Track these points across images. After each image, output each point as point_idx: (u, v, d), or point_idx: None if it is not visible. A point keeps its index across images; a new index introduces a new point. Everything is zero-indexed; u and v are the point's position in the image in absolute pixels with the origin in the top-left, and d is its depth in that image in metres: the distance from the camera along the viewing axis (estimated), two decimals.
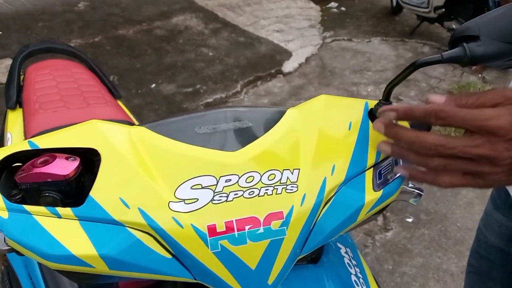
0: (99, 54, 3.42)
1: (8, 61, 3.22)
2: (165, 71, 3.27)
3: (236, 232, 0.47)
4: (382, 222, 2.03)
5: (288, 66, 3.42)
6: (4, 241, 0.49)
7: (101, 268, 0.47)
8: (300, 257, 0.53)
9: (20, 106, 1.36)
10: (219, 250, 0.47)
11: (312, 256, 0.67)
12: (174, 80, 3.16)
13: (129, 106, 1.51)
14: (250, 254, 0.48)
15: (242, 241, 0.48)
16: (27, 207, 0.47)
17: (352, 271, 0.68)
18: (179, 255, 0.48)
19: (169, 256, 0.48)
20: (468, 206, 2.09)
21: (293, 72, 3.35)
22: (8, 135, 1.31)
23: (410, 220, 2.03)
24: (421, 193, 0.63)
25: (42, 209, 0.47)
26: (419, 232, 1.97)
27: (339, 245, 0.71)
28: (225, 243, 0.47)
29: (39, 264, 1.02)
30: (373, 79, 3.24)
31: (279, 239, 0.49)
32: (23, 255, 0.51)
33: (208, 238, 0.47)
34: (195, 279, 0.50)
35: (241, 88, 3.11)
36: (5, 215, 0.47)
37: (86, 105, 1.30)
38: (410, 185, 0.63)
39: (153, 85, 3.09)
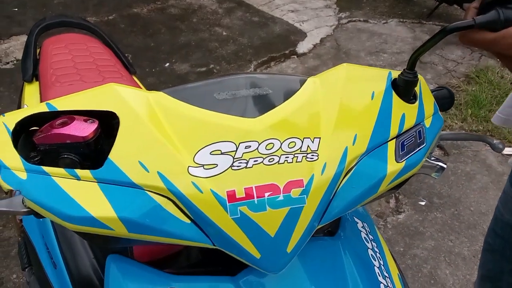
0: (113, 32, 3.41)
1: (24, 38, 3.23)
2: (179, 50, 3.25)
3: (255, 199, 0.47)
4: (394, 204, 2.02)
5: (303, 47, 3.37)
6: (22, 203, 0.50)
7: (120, 231, 0.47)
8: (319, 226, 0.53)
9: (37, 79, 1.36)
10: (239, 216, 0.47)
11: (329, 229, 0.67)
12: (188, 59, 3.15)
13: (143, 84, 1.50)
14: (270, 221, 0.48)
15: (262, 208, 0.47)
16: (46, 168, 0.47)
17: (369, 245, 0.67)
18: (198, 220, 0.48)
19: (188, 221, 0.48)
20: (482, 191, 2.07)
21: (307, 53, 3.30)
22: (25, 108, 1.32)
23: (423, 203, 2.01)
24: (444, 166, 0.62)
25: (60, 170, 0.47)
26: (431, 215, 1.95)
27: (356, 219, 0.71)
28: (244, 209, 0.47)
29: (56, 234, 1.04)
30: (389, 61, 3.18)
31: (299, 207, 0.49)
32: (40, 217, 0.52)
33: (228, 204, 0.47)
34: (214, 245, 0.50)
35: (255, 69, 3.09)
36: (23, 176, 0.47)
37: (101, 79, 1.30)
38: (433, 158, 0.62)
39: (167, 64, 3.08)
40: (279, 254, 0.50)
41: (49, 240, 1.06)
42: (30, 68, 1.38)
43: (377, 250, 0.68)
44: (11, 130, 0.49)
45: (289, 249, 0.50)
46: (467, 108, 2.54)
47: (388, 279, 0.65)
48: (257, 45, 3.37)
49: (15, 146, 0.49)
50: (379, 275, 0.64)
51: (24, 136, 0.52)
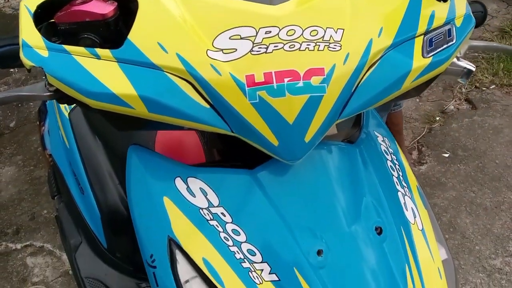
0: None
1: None
2: None
3: (274, 84, 0.47)
4: (416, 156, 2.00)
5: None
6: (45, 87, 0.52)
7: (140, 109, 0.49)
8: (339, 121, 0.53)
9: None
10: (257, 101, 0.48)
11: (348, 138, 0.67)
12: None
13: None
14: (288, 107, 0.48)
15: (281, 93, 0.47)
16: (67, 47, 0.48)
17: (388, 157, 0.67)
18: (217, 105, 0.49)
19: (207, 106, 0.49)
20: (509, 144, 2.01)
21: None
22: None
23: (446, 155, 1.98)
24: (472, 69, 0.60)
25: (81, 49, 0.48)
26: (454, 167, 1.93)
27: (376, 133, 0.70)
28: (263, 94, 0.47)
29: (82, 161, 1.07)
30: None
31: (319, 96, 0.49)
32: (63, 102, 0.54)
33: (246, 88, 0.47)
34: (232, 132, 0.51)
35: None
36: (45, 53, 0.49)
37: None
38: (461, 60, 0.60)
39: None
40: (297, 142, 0.51)
41: (76, 167, 1.10)
42: None
43: (397, 163, 0.68)
44: (32, 12, 0.50)
45: (307, 138, 0.50)
46: (499, 62, 2.44)
47: (406, 189, 0.66)
48: None
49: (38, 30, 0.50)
50: (397, 184, 0.65)
51: (46, 25, 0.53)
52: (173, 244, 0.53)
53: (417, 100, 2.29)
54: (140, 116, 0.50)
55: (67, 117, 1.14)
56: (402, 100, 0.62)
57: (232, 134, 0.51)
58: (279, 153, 0.52)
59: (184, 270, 0.53)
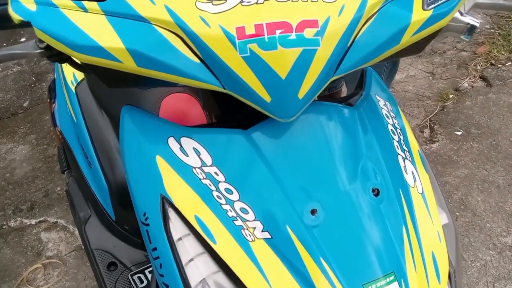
0: None
1: None
2: None
3: (266, 36, 0.46)
4: (428, 134, 1.97)
5: None
6: (36, 44, 0.52)
7: (128, 63, 0.48)
8: (335, 77, 0.52)
9: None
10: (248, 54, 0.46)
11: (347, 101, 0.66)
12: None
13: None
14: (281, 61, 0.47)
15: (272, 46, 0.46)
16: (54, 0, 0.48)
17: (389, 121, 0.66)
18: (207, 59, 0.48)
19: (197, 61, 0.48)
20: None
21: None
22: None
23: (459, 133, 1.95)
24: (476, 24, 0.58)
25: (68, 2, 0.48)
26: (467, 145, 1.89)
27: (378, 97, 0.69)
28: (254, 47, 0.46)
29: (90, 135, 1.08)
30: None
31: (312, 50, 0.47)
32: (55, 60, 0.54)
33: (237, 41, 0.46)
34: (224, 89, 0.50)
35: None
36: (33, 7, 0.49)
37: None
38: (465, 15, 0.58)
39: None
40: (290, 99, 0.50)
41: (84, 142, 1.11)
42: None
43: (398, 127, 0.66)
44: None
45: (301, 95, 0.49)
46: None
47: (407, 153, 0.64)
48: None
49: None
50: (398, 148, 0.63)
51: None
52: (166, 202, 0.53)
53: (430, 78, 2.24)
54: (129, 71, 0.49)
55: (74, 91, 1.15)
56: (402, 57, 0.60)
57: (224, 90, 0.50)
58: (271, 110, 0.51)
59: (176, 227, 0.53)
